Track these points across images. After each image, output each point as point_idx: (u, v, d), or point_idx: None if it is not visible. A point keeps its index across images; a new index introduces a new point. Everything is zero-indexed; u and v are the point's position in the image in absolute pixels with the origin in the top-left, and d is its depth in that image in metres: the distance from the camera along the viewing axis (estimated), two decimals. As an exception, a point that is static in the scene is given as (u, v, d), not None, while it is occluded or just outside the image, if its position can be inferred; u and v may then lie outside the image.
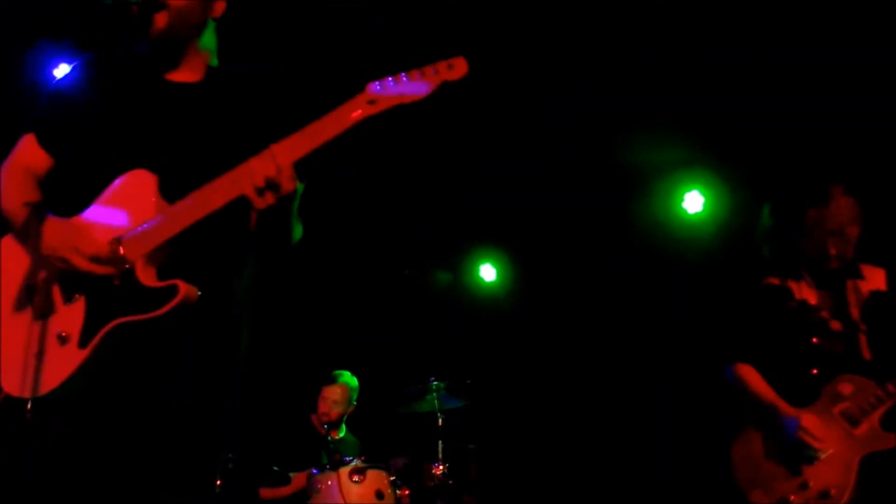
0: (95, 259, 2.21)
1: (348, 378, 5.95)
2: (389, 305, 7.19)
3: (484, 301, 7.61)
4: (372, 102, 2.16)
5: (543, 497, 6.70)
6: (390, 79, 2.17)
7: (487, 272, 7.70)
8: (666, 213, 6.65)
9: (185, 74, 2.48)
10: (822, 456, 3.33)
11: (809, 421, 3.35)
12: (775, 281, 3.63)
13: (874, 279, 3.59)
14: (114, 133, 2.38)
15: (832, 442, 3.35)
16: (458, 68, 2.18)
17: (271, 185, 2.13)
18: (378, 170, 6.37)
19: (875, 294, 3.56)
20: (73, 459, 2.23)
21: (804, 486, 3.32)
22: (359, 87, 2.18)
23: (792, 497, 3.31)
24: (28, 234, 2.30)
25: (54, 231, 2.27)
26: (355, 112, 2.17)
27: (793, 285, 3.60)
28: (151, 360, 2.28)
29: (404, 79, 2.16)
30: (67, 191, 2.38)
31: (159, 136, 2.38)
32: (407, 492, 5.26)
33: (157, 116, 2.40)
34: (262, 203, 2.15)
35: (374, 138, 2.23)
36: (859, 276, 3.59)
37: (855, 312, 3.52)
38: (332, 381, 5.92)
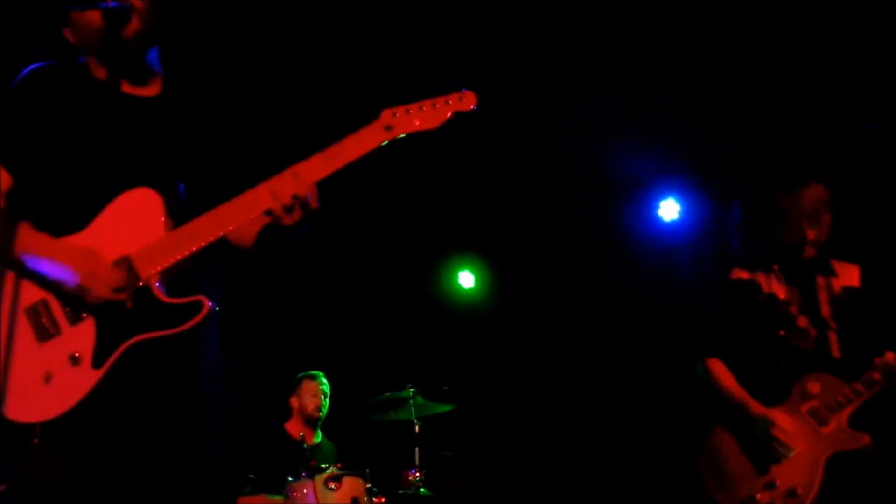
0: (119, 290, 2.20)
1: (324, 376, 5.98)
2: (365, 312, 7.18)
3: (462, 308, 7.61)
4: (388, 129, 2.28)
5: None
6: (404, 108, 2.28)
7: (466, 279, 7.71)
8: (641, 220, 6.70)
9: (145, 87, 2.47)
10: (791, 454, 3.32)
11: (780, 419, 3.34)
12: (744, 274, 3.61)
13: (847, 276, 3.57)
14: (84, 151, 2.34)
15: (800, 440, 3.33)
16: (467, 100, 2.30)
17: (300, 203, 2.21)
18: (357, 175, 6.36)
19: (847, 290, 3.53)
20: (83, 485, 2.20)
21: (771, 485, 3.30)
22: (374, 114, 2.29)
23: (758, 495, 3.30)
24: (9, 251, 2.24)
25: (64, 254, 2.24)
26: (374, 137, 2.28)
27: (762, 279, 3.57)
28: (164, 376, 2.28)
29: (418, 109, 2.28)
30: (50, 209, 2.32)
31: (130, 154, 2.36)
32: (383, 500, 5.24)
33: (124, 133, 2.38)
34: (289, 220, 2.23)
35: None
36: (831, 272, 3.57)
37: (825, 310, 3.50)
38: (314, 377, 5.93)
